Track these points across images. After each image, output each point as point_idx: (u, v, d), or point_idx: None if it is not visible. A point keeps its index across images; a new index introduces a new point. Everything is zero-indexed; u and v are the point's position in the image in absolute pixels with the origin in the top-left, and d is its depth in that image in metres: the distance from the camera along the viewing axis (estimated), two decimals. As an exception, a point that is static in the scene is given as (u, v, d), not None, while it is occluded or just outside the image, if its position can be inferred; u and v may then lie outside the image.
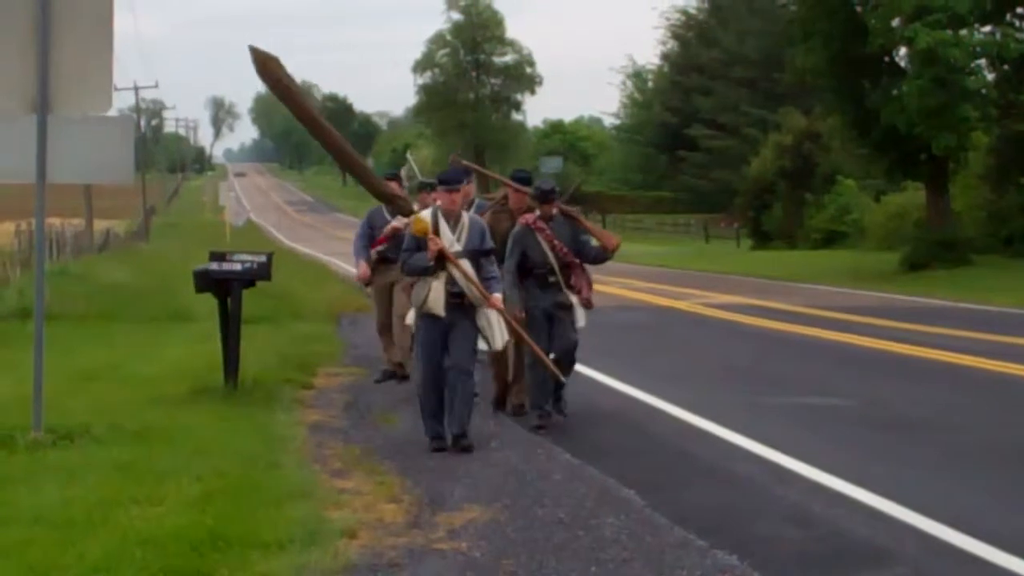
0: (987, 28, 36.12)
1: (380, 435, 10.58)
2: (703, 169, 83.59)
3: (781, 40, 48.43)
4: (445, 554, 6.87)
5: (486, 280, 9.81)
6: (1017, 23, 36.81)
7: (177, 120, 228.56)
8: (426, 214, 9.91)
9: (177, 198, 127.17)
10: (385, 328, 13.79)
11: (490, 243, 10.01)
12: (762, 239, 60.75)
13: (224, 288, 12.10)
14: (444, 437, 9.86)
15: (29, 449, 9.12)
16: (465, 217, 9.98)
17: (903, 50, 36.93)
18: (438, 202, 10.13)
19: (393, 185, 12.35)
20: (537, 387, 11.02)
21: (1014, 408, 12.51)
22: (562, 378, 10.79)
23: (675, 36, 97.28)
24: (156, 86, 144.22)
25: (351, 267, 16.46)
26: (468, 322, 9.79)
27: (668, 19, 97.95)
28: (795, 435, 10.53)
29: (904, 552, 6.99)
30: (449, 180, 9.99)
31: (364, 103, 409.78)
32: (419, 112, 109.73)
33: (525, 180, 11.79)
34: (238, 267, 12.06)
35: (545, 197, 11.02)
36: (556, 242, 10.90)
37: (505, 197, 11.86)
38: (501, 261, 10.53)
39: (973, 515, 7.73)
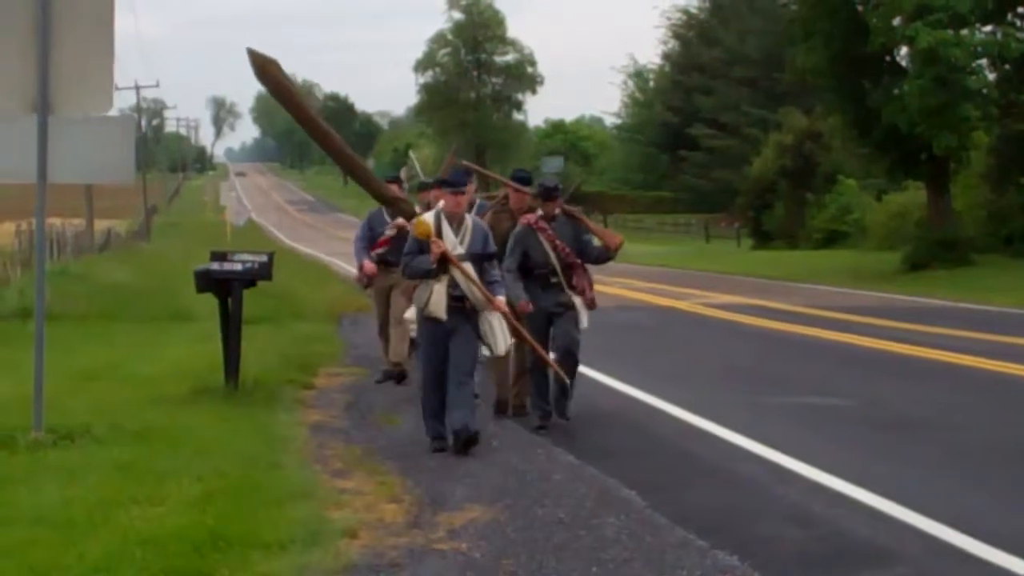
0: (988, 28, 36.12)
1: (381, 435, 10.57)
2: (704, 169, 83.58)
3: (782, 39, 48.41)
4: (446, 554, 6.87)
5: (489, 284, 9.74)
6: (1018, 23, 36.80)
7: (178, 120, 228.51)
8: (429, 217, 9.82)
9: (178, 198, 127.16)
10: (385, 330, 13.78)
11: (493, 247, 9.94)
12: (763, 239, 60.74)
13: (225, 288, 12.10)
14: (445, 437, 9.83)
15: (30, 449, 9.12)
16: (468, 220, 9.88)
17: (904, 49, 36.93)
18: (440, 203, 10.06)
19: (394, 188, 12.34)
20: (537, 388, 11.03)
21: (1015, 408, 12.50)
22: (567, 379, 10.70)
23: (676, 35, 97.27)
24: (157, 86, 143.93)
25: (352, 267, 16.45)
26: (469, 326, 9.73)
27: (669, 18, 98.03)
28: (796, 435, 10.53)
29: (905, 552, 6.99)
30: (454, 182, 9.91)
31: (365, 103, 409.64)
32: (420, 111, 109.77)
33: (525, 180, 11.77)
34: (239, 267, 12.06)
35: (548, 195, 10.97)
36: (558, 242, 10.84)
37: (506, 197, 11.85)
38: (502, 262, 10.48)
39: (974, 515, 7.72)
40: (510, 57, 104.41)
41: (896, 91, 35.35)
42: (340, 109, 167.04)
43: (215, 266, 12.04)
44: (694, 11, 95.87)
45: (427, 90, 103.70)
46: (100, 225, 51.48)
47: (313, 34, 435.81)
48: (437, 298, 9.61)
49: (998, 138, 39.68)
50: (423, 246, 9.62)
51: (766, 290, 30.59)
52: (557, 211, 10.97)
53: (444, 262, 9.58)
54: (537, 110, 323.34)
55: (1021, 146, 39.12)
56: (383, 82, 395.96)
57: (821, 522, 7.69)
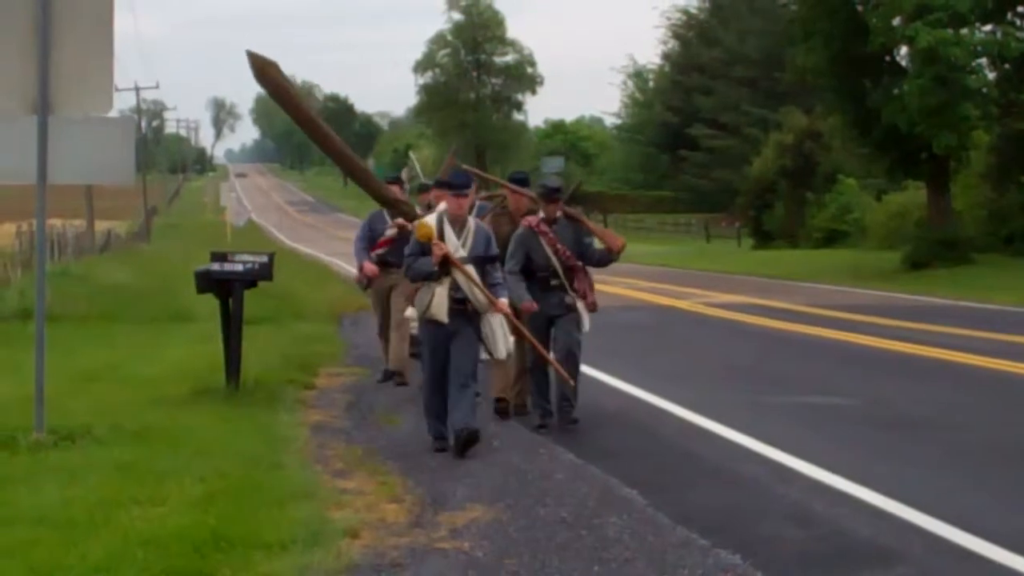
0: (988, 27, 36.12)
1: (382, 435, 10.57)
2: (704, 169, 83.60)
3: (782, 39, 48.44)
4: (447, 554, 6.87)
5: (491, 287, 9.69)
6: (1018, 22, 36.80)
7: (178, 121, 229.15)
8: (431, 219, 9.76)
9: (178, 199, 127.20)
10: (385, 330, 13.76)
11: (495, 250, 9.88)
12: (763, 238, 60.74)
13: (225, 289, 12.09)
14: (447, 437, 9.81)
15: (31, 450, 9.12)
16: (471, 223, 9.80)
17: (904, 49, 36.93)
18: (441, 204, 10.02)
19: (395, 189, 12.34)
20: (538, 387, 11.00)
21: (1016, 407, 12.50)
22: (571, 381, 10.59)
23: (676, 36, 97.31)
24: (157, 87, 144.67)
25: (352, 268, 16.45)
26: (471, 328, 9.68)
27: (669, 19, 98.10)
28: (797, 434, 10.53)
29: (907, 551, 6.99)
30: (457, 184, 9.81)
31: (365, 103, 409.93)
32: (420, 112, 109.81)
33: (523, 182, 11.75)
34: (239, 268, 12.05)
35: (550, 196, 10.90)
36: (559, 246, 10.77)
37: (504, 199, 11.82)
38: (503, 265, 10.44)
39: (976, 514, 7.72)
40: (510, 58, 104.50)
41: (896, 91, 35.35)
42: (340, 110, 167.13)
43: (216, 267, 12.04)
44: (694, 11, 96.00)
45: (427, 91, 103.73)
46: (100, 226, 51.47)
47: (313, 34, 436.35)
48: (439, 300, 9.56)
49: (998, 137, 39.69)
50: (425, 248, 9.55)
51: (767, 289, 30.59)
52: (558, 214, 10.89)
53: (446, 264, 9.53)
54: (537, 110, 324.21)
55: (1021, 145, 39.11)
56: (383, 83, 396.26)
57: (823, 521, 7.68)
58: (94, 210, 49.83)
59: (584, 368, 11.64)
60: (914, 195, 45.41)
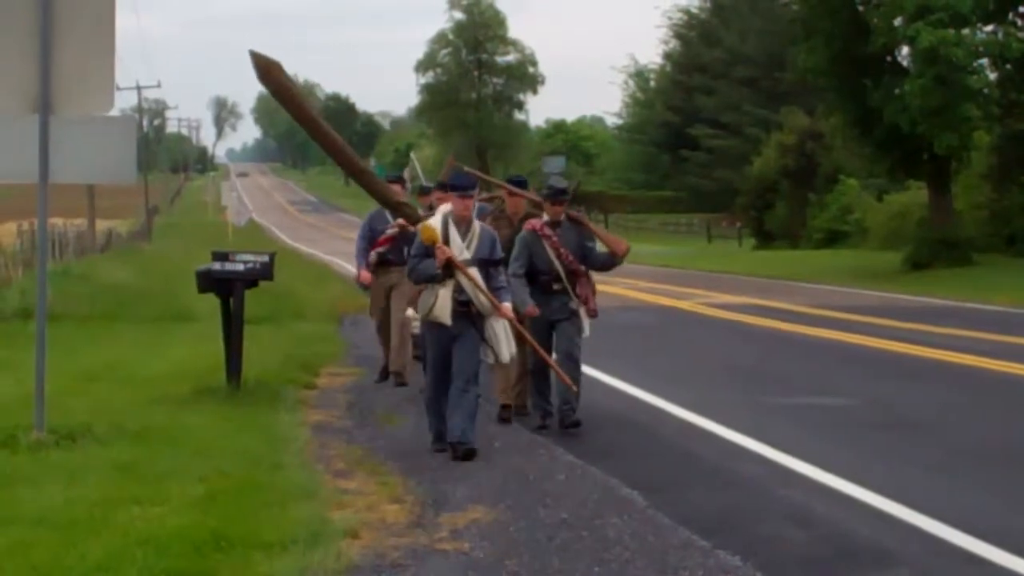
0: (989, 27, 36.14)
1: (383, 436, 10.57)
2: (705, 169, 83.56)
3: (783, 39, 48.48)
4: (448, 554, 6.87)
5: (495, 290, 9.62)
6: (1019, 22, 36.81)
7: (179, 120, 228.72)
8: (436, 221, 9.69)
9: (179, 198, 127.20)
10: (384, 329, 13.69)
11: (500, 253, 9.81)
12: (764, 239, 60.74)
13: (226, 288, 12.09)
14: (446, 438, 9.76)
15: (31, 449, 9.12)
16: (476, 225, 9.73)
17: (905, 49, 36.92)
18: (444, 206, 9.97)
19: (396, 188, 12.31)
20: (539, 388, 10.97)
21: (1017, 408, 12.50)
22: (574, 387, 10.48)
23: (677, 35, 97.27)
24: (158, 86, 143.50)
25: (353, 267, 16.44)
26: (474, 331, 9.62)
27: (670, 18, 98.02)
28: (798, 435, 10.53)
29: (907, 552, 6.99)
30: (462, 186, 9.73)
31: (366, 103, 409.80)
32: (421, 112, 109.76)
33: (521, 185, 11.72)
34: (240, 267, 12.05)
35: (556, 197, 10.78)
36: (562, 250, 10.66)
37: (503, 202, 11.76)
38: (506, 267, 10.36)
39: (976, 515, 7.72)
40: (511, 57, 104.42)
41: (897, 91, 35.33)
42: (341, 109, 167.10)
43: (217, 266, 12.04)
44: (695, 11, 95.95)
45: (428, 90, 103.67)
46: (101, 225, 51.46)
47: (314, 34, 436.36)
48: (442, 303, 9.50)
49: (999, 138, 39.70)
50: (429, 250, 9.48)
51: (768, 290, 30.58)
52: (562, 217, 10.79)
53: (450, 267, 9.46)
54: (538, 110, 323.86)
55: (1022, 145, 39.11)
56: (384, 82, 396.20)
57: (823, 522, 7.68)
58: (95, 209, 49.80)
59: (584, 368, 11.62)
60: (915, 195, 45.41)
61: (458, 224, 9.64)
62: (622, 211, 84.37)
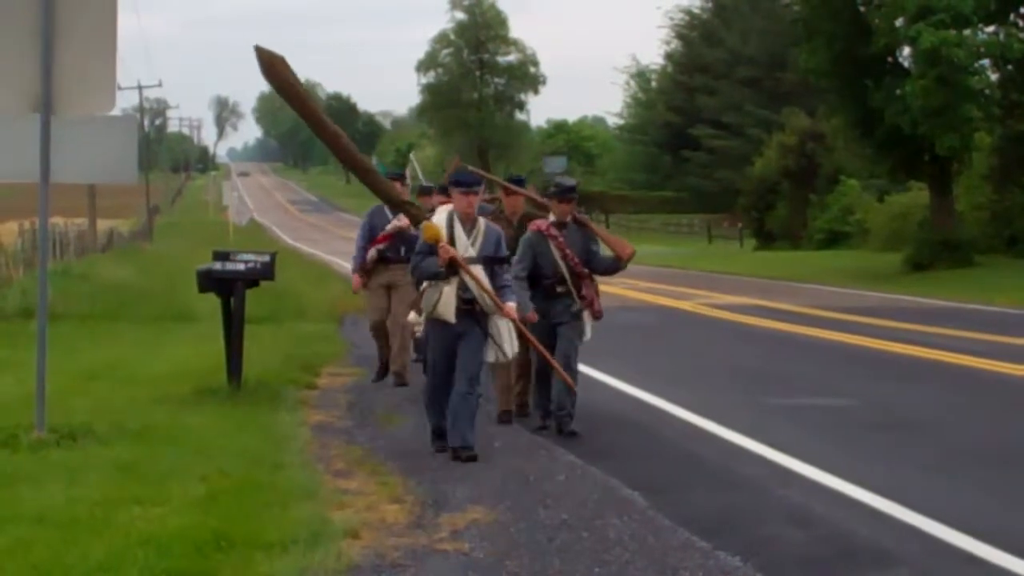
0: (991, 28, 36.14)
1: (383, 436, 10.57)
2: (707, 169, 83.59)
3: (785, 40, 48.50)
4: (448, 555, 6.87)
5: (500, 288, 9.50)
6: (1020, 23, 36.81)
7: (181, 119, 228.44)
8: (440, 218, 9.59)
9: (180, 198, 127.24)
10: (378, 328, 13.62)
11: (504, 250, 9.69)
12: (765, 239, 60.75)
13: (227, 288, 12.09)
14: (446, 437, 9.73)
15: (32, 448, 9.13)
16: (481, 223, 9.61)
17: (907, 50, 36.94)
18: (446, 206, 9.91)
19: (396, 185, 12.30)
20: (540, 387, 10.95)
21: (1017, 408, 12.51)
22: (574, 386, 10.38)
23: (679, 36, 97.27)
24: (160, 85, 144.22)
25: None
26: (478, 330, 9.53)
27: (672, 19, 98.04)
28: (798, 436, 10.53)
29: (906, 552, 6.99)
30: (467, 182, 9.62)
31: (368, 102, 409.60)
32: (423, 112, 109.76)
33: (519, 184, 11.68)
34: (241, 267, 12.05)
35: (564, 195, 10.64)
36: (568, 251, 10.52)
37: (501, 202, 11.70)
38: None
39: (975, 515, 7.73)
40: (512, 57, 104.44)
41: (899, 91, 35.33)
42: (343, 109, 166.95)
43: (217, 266, 12.04)
44: (697, 11, 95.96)
45: (429, 90, 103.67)
46: (103, 225, 51.46)
47: (316, 33, 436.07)
48: (446, 300, 9.40)
49: (1000, 138, 39.70)
50: (433, 248, 9.39)
51: (769, 290, 30.59)
52: (568, 218, 10.66)
53: (453, 266, 9.37)
54: (539, 110, 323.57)
55: (1023, 147, 39.10)
56: (385, 82, 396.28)
57: (823, 523, 7.68)
58: (96, 209, 49.80)
59: (585, 369, 11.64)
60: (916, 196, 45.42)
61: (463, 222, 9.53)
62: (623, 211, 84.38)
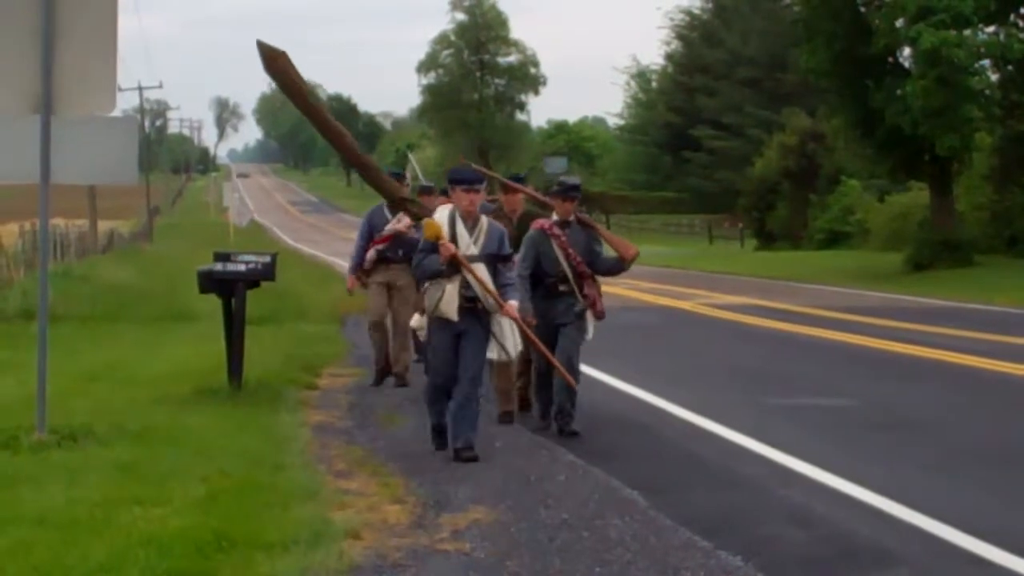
0: (991, 28, 36.16)
1: (384, 436, 10.57)
2: (707, 170, 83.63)
3: (785, 40, 48.52)
4: (449, 555, 6.87)
5: (503, 287, 9.43)
6: (1021, 23, 36.82)
7: (181, 120, 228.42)
8: (442, 216, 9.52)
9: (181, 199, 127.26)
10: (378, 326, 13.59)
11: (508, 248, 9.58)
12: (766, 240, 60.78)
13: (228, 288, 12.09)
14: (446, 434, 9.70)
15: (33, 450, 9.12)
16: (484, 220, 9.54)
17: (907, 50, 36.95)
18: (447, 205, 9.88)
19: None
20: (541, 383, 10.92)
21: (1017, 408, 12.51)
22: (575, 385, 10.30)
23: (679, 36, 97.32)
24: (160, 86, 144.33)
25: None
26: (481, 329, 9.46)
27: (672, 19, 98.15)
28: (799, 436, 10.52)
29: (907, 552, 6.99)
30: (468, 179, 9.54)
31: (368, 103, 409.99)
32: (423, 112, 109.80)
33: (519, 182, 11.67)
34: (242, 267, 12.05)
35: (568, 193, 10.55)
36: (571, 251, 10.46)
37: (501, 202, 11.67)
38: None
39: (976, 515, 7.72)
40: (513, 58, 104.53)
41: (899, 92, 35.35)
42: (343, 110, 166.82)
43: (218, 267, 12.04)
44: (697, 12, 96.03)
45: (430, 91, 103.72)
46: (103, 226, 51.48)
47: (316, 34, 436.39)
48: (449, 298, 9.31)
49: (1001, 139, 39.71)
50: (435, 246, 9.31)
51: (769, 290, 30.59)
52: (571, 217, 10.61)
53: (455, 264, 9.30)
54: (540, 111, 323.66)
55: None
56: (385, 82, 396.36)
57: (824, 523, 7.68)
58: (97, 210, 49.81)
59: (586, 369, 11.62)
60: (917, 196, 45.42)
61: (465, 219, 9.45)
62: (624, 212, 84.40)
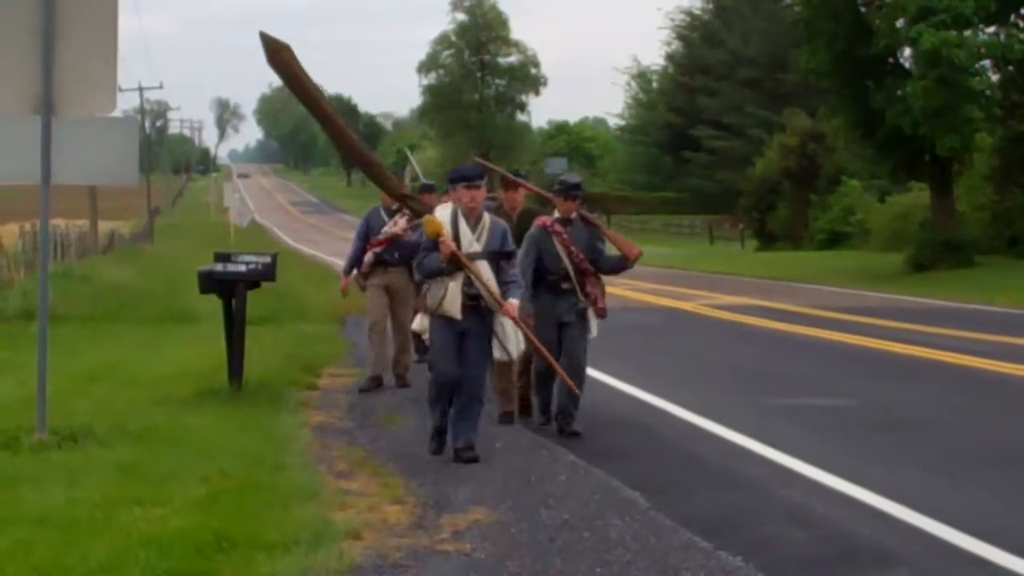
0: (991, 29, 36.17)
1: (384, 437, 10.56)
2: (708, 170, 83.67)
3: (785, 41, 48.54)
4: (449, 555, 6.87)
5: (505, 284, 9.35)
6: (1021, 24, 36.82)
7: (182, 121, 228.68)
8: (444, 214, 9.47)
9: (181, 199, 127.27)
10: (378, 328, 13.55)
11: (511, 245, 9.50)
12: (767, 240, 60.80)
13: (228, 289, 12.08)
14: (445, 435, 9.67)
15: (33, 450, 9.12)
16: (487, 217, 9.48)
17: (907, 51, 36.97)
18: (448, 204, 9.85)
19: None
20: (542, 382, 10.90)
21: (1017, 408, 12.51)
22: (576, 390, 10.26)
23: (680, 37, 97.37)
24: (161, 87, 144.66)
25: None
26: (484, 328, 9.41)
27: (672, 20, 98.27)
28: (800, 436, 10.52)
29: (907, 553, 6.99)
30: (469, 176, 9.45)
31: (368, 103, 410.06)
32: (424, 113, 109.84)
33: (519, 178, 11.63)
34: (243, 268, 12.04)
35: (569, 192, 10.50)
36: (573, 248, 10.41)
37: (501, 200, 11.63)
38: None
39: (976, 515, 7.72)
40: (513, 58, 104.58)
41: (899, 92, 35.37)
42: (344, 110, 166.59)
43: (219, 267, 12.03)
44: (697, 12, 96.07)
45: (431, 91, 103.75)
46: (104, 226, 51.47)
47: (316, 33, 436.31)
48: (452, 296, 9.25)
49: (1001, 139, 39.72)
50: (437, 244, 9.24)
51: (770, 291, 30.59)
52: (574, 215, 10.57)
53: (456, 261, 9.24)
54: (540, 111, 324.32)
55: (1024, 147, 39.17)
56: (385, 82, 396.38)
57: (824, 523, 7.68)
58: (97, 210, 49.82)
59: (587, 370, 11.59)
60: (917, 197, 45.44)
61: (467, 217, 9.39)
62: (624, 212, 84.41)
